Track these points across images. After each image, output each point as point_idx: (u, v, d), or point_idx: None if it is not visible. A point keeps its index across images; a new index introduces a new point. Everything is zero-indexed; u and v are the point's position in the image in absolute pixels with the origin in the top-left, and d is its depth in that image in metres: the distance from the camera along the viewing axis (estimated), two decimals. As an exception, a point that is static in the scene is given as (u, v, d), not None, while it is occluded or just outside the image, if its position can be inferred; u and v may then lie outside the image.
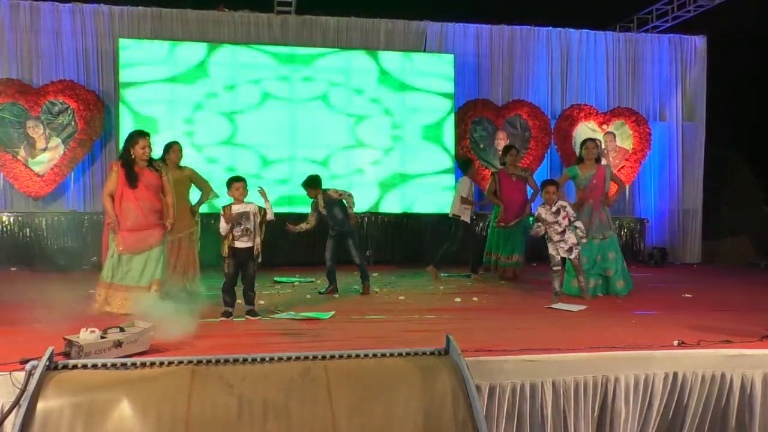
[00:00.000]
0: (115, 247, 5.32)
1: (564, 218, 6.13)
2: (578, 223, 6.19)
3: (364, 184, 9.86)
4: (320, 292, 6.55)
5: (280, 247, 9.06)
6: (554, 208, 6.16)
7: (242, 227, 5.12)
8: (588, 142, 6.72)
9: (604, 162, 6.75)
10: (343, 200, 6.49)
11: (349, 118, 9.91)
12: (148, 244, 5.34)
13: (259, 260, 5.28)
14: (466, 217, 7.91)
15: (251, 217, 5.16)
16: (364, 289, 6.57)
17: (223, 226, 5.15)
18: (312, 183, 6.53)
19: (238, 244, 5.14)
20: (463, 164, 8.47)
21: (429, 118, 10.15)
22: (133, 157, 5.37)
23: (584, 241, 6.19)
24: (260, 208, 5.23)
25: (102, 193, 5.55)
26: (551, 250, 6.21)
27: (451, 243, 7.93)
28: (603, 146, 10.77)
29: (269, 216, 5.23)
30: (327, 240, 6.60)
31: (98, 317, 5.00)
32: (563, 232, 6.15)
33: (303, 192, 6.64)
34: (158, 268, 5.38)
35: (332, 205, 6.46)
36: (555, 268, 6.20)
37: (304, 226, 6.51)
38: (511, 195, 7.84)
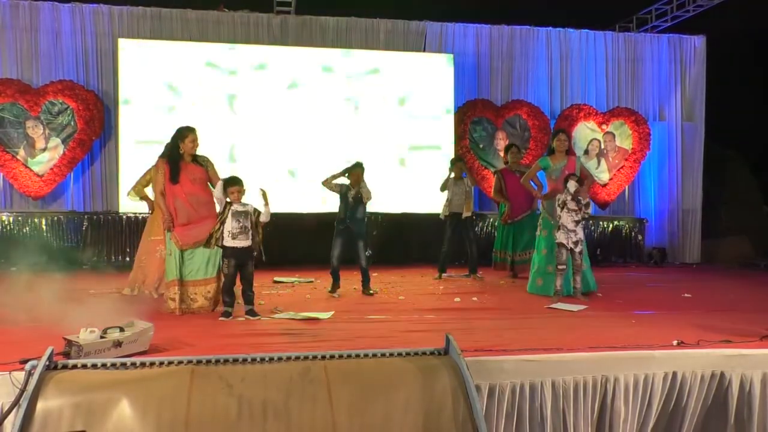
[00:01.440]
0: (173, 246, 5.38)
1: (583, 211, 6.19)
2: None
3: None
4: (329, 291, 6.50)
5: (279, 247, 9.06)
6: (585, 200, 6.22)
7: (240, 225, 5.12)
8: (560, 133, 6.74)
9: (584, 158, 6.80)
10: (367, 203, 6.45)
11: (348, 118, 9.91)
12: (204, 236, 5.37)
13: (264, 259, 5.30)
14: (444, 212, 7.85)
15: (249, 216, 5.17)
16: (365, 290, 6.55)
17: (218, 191, 5.19)
18: (362, 169, 6.44)
19: (237, 244, 5.14)
20: (451, 162, 8.27)
21: (429, 118, 10.15)
22: (181, 152, 5.43)
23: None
24: (255, 209, 5.23)
25: (154, 191, 5.64)
26: (561, 238, 6.17)
27: (442, 244, 7.95)
28: (603, 146, 10.78)
29: (264, 218, 5.22)
30: (335, 238, 6.49)
31: (103, 317, 5.00)
32: (578, 222, 6.20)
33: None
34: (220, 257, 5.45)
35: (358, 203, 6.42)
36: (560, 267, 6.21)
37: (330, 179, 6.40)
38: (516, 191, 7.88)
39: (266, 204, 5.24)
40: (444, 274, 7.93)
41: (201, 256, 5.43)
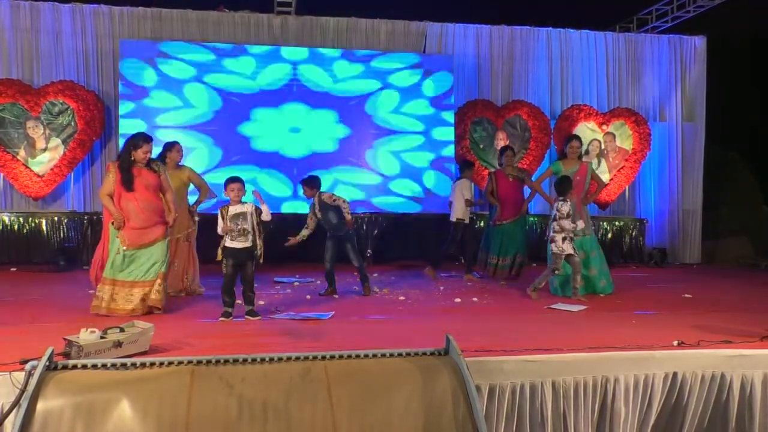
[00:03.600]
0: (119, 244, 5.33)
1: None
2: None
3: (364, 183, 9.87)
4: (320, 294, 6.55)
5: (280, 247, 9.05)
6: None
7: (239, 227, 5.12)
8: (573, 140, 6.79)
9: (585, 159, 6.83)
10: (339, 205, 6.46)
11: (348, 118, 9.91)
12: (152, 238, 5.38)
13: (261, 261, 5.28)
14: (467, 220, 7.94)
15: (248, 217, 5.16)
16: (365, 290, 6.57)
17: (221, 226, 5.16)
18: (310, 182, 6.55)
19: (236, 245, 5.14)
20: (463, 166, 8.47)
21: (429, 118, 10.15)
22: (132, 159, 5.39)
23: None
24: (257, 207, 5.22)
25: (99, 193, 5.54)
26: (569, 249, 6.14)
27: (448, 245, 7.97)
28: (603, 146, 10.78)
29: (265, 216, 5.22)
30: (326, 242, 6.59)
31: (102, 317, 5.01)
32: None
33: (300, 194, 6.64)
34: (163, 262, 5.42)
35: (327, 210, 6.45)
36: (557, 272, 6.24)
37: (304, 233, 6.48)
38: (508, 194, 7.86)
39: (262, 203, 5.25)
40: (441, 275, 7.89)
41: (143, 257, 5.36)
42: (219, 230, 5.19)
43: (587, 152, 10.69)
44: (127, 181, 5.35)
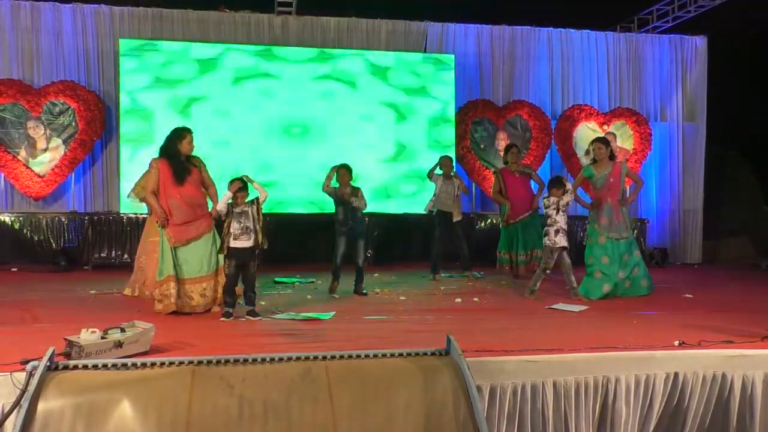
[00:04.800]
0: (166, 243, 5.32)
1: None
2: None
3: (364, 184, 9.84)
4: (330, 292, 6.48)
5: (280, 247, 9.07)
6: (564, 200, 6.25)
7: (242, 225, 5.12)
8: (596, 142, 6.61)
9: (618, 159, 6.69)
10: (363, 202, 6.47)
11: (349, 118, 9.90)
12: (198, 232, 5.36)
13: (266, 246, 5.28)
14: (435, 212, 7.80)
15: (251, 216, 5.17)
16: (358, 291, 6.53)
17: (223, 202, 5.17)
18: (348, 169, 6.45)
19: (239, 244, 5.14)
20: (439, 158, 8.13)
21: (429, 119, 10.15)
22: (179, 151, 5.38)
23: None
24: (255, 199, 5.22)
25: (146, 193, 5.48)
26: (563, 242, 6.17)
27: (434, 244, 7.92)
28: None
29: (263, 196, 5.23)
30: (338, 238, 6.46)
31: (103, 317, 4.99)
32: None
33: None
34: (215, 255, 5.40)
35: (357, 206, 6.44)
36: (548, 271, 6.30)
37: (331, 178, 6.42)
38: (517, 191, 7.88)
39: (254, 183, 5.26)
40: (438, 275, 7.84)
41: (196, 252, 5.36)
42: (219, 207, 5.19)
43: (588, 152, 10.68)
44: (179, 174, 5.32)
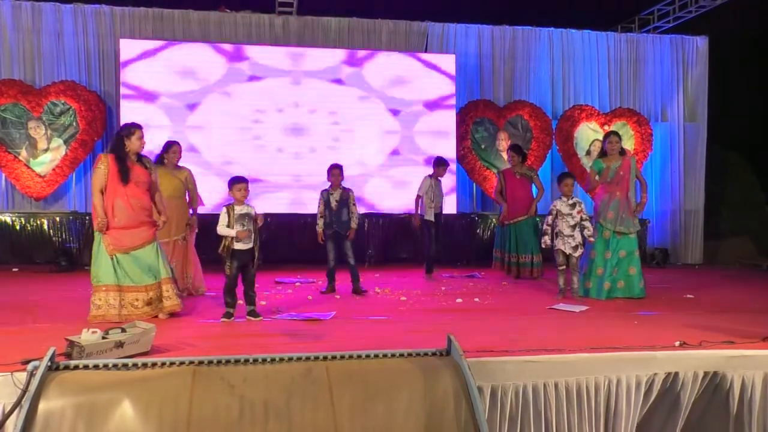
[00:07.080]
0: (104, 249, 4.99)
1: (578, 213, 6.28)
2: (587, 224, 6.27)
3: (364, 184, 9.86)
4: (321, 292, 6.55)
5: (281, 247, 9.07)
6: (571, 201, 6.32)
7: (245, 228, 5.11)
8: (611, 135, 6.60)
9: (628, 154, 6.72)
10: (353, 203, 6.55)
11: (348, 118, 9.91)
12: (140, 241, 5.06)
13: (260, 262, 5.27)
14: (429, 216, 7.73)
15: (251, 218, 5.16)
16: (355, 290, 6.55)
17: (222, 226, 5.09)
18: (339, 169, 6.54)
19: (239, 246, 5.12)
20: (436, 163, 8.04)
21: (430, 119, 10.15)
22: (127, 150, 5.12)
23: (592, 240, 6.25)
24: (256, 213, 5.22)
25: (92, 190, 5.09)
26: (560, 245, 6.28)
27: (429, 245, 7.90)
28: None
29: (261, 222, 5.22)
30: (327, 243, 6.59)
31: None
32: (574, 227, 6.27)
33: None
34: (164, 264, 5.16)
35: (343, 206, 6.49)
36: (560, 267, 6.30)
37: (321, 224, 6.54)
38: (516, 193, 7.88)
39: (259, 218, 5.26)
40: (432, 274, 7.86)
41: (139, 261, 5.04)
42: (219, 229, 5.07)
43: (588, 153, 10.69)
44: (124, 173, 5.02)
